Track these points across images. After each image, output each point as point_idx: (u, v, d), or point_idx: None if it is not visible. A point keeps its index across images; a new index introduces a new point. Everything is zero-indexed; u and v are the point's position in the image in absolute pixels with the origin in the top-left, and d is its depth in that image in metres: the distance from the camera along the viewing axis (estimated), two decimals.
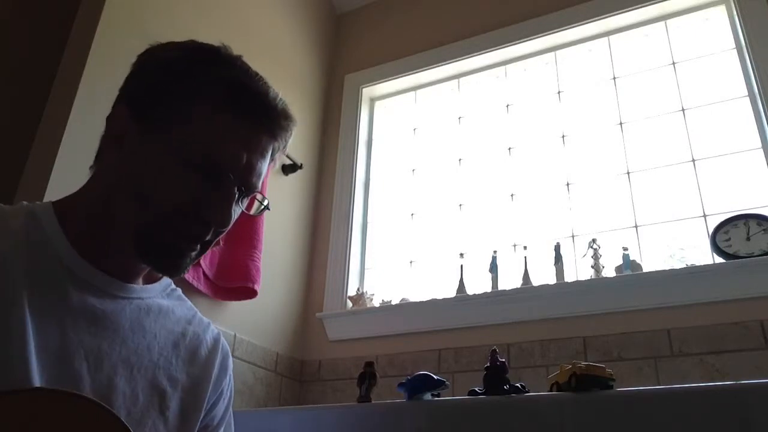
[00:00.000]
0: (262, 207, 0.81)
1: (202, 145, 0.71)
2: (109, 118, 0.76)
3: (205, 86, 0.73)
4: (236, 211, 0.75)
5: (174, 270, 0.74)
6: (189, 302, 0.88)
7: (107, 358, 0.70)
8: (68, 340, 0.67)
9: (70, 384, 0.65)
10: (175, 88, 0.73)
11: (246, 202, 0.77)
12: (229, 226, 0.75)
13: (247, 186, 0.75)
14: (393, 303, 2.24)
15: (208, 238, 0.74)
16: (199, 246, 0.74)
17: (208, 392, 0.82)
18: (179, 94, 0.73)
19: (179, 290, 0.87)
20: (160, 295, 0.82)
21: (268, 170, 0.80)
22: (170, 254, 0.72)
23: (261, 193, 0.79)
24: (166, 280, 0.84)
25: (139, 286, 0.78)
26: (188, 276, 1.79)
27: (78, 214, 0.74)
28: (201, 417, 0.81)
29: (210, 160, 0.71)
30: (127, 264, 0.76)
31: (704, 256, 1.89)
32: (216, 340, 0.87)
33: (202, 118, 0.72)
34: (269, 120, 0.75)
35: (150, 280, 0.82)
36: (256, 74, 0.76)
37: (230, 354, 0.89)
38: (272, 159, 0.79)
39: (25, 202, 0.75)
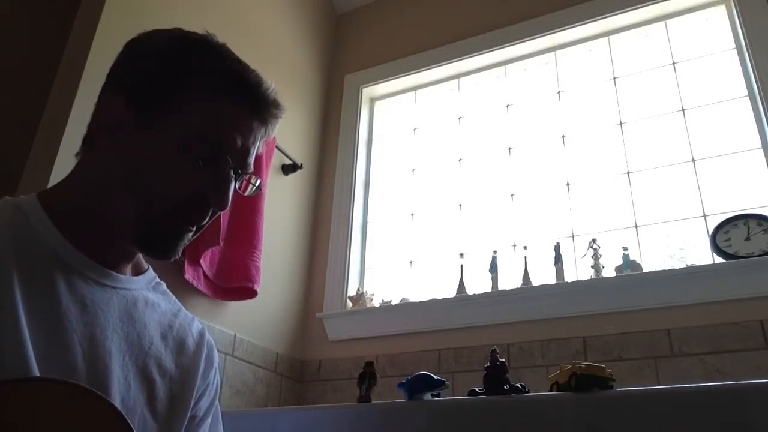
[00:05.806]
0: (255, 188, 0.84)
1: (201, 131, 0.73)
2: (100, 107, 0.77)
3: (202, 75, 0.75)
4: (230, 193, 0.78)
5: (171, 254, 0.75)
6: (173, 296, 0.88)
7: (101, 345, 0.70)
8: (62, 327, 0.67)
9: (67, 370, 0.65)
10: (172, 78, 0.74)
11: (239, 184, 0.80)
12: (227, 208, 0.78)
13: (243, 167, 0.78)
14: (393, 303, 2.24)
15: (205, 221, 0.77)
16: (195, 228, 0.76)
17: (196, 384, 0.82)
18: (176, 83, 0.74)
19: (164, 284, 0.87)
20: (146, 288, 0.82)
21: (267, 161, 0.82)
22: (170, 240, 0.74)
23: (255, 174, 0.83)
24: (150, 274, 0.85)
25: (125, 277, 0.78)
26: (188, 276, 1.79)
27: (68, 204, 0.75)
28: (189, 408, 0.81)
29: (208, 144, 0.73)
30: (118, 252, 0.77)
31: (704, 256, 1.89)
32: (201, 334, 0.87)
33: (199, 106, 0.74)
34: (263, 109, 0.78)
35: (136, 272, 0.82)
36: (246, 64, 0.80)
37: (215, 347, 0.90)
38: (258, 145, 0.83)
39: (8, 197, 0.75)
